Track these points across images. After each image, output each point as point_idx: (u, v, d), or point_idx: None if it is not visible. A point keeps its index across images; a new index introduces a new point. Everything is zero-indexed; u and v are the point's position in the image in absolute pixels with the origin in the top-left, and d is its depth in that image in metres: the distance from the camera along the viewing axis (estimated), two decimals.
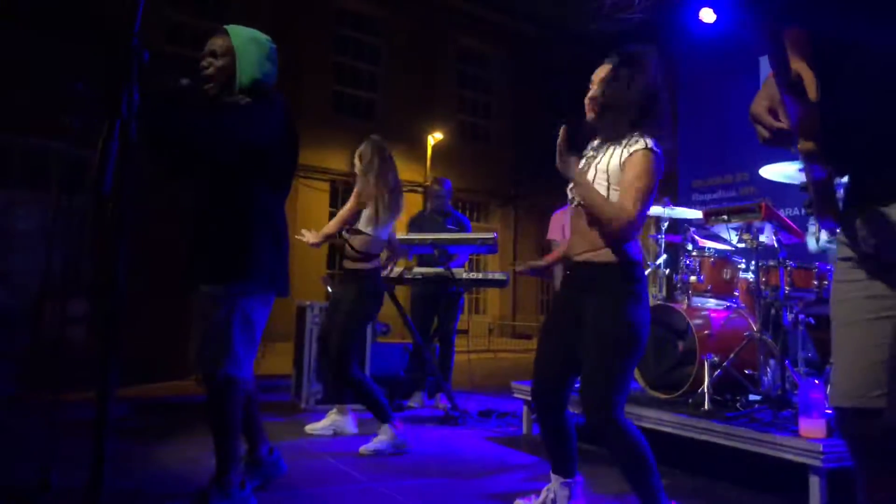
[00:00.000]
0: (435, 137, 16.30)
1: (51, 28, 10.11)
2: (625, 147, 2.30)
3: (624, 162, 2.27)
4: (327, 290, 6.42)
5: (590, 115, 2.44)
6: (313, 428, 4.09)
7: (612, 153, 2.33)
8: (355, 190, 3.89)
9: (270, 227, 2.56)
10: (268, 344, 2.84)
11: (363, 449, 3.63)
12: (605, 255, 2.30)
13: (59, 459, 2.70)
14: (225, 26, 2.64)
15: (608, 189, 2.29)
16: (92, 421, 1.24)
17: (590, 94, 2.44)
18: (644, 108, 2.32)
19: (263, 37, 2.66)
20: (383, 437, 3.66)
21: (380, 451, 3.61)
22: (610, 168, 2.30)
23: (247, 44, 2.59)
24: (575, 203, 2.41)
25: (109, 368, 1.07)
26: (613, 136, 2.36)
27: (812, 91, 1.13)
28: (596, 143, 2.47)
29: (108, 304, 1.07)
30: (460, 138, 17.48)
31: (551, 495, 2.55)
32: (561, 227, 5.42)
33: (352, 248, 3.88)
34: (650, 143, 2.28)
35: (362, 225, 3.85)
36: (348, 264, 3.93)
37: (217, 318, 2.45)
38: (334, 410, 4.14)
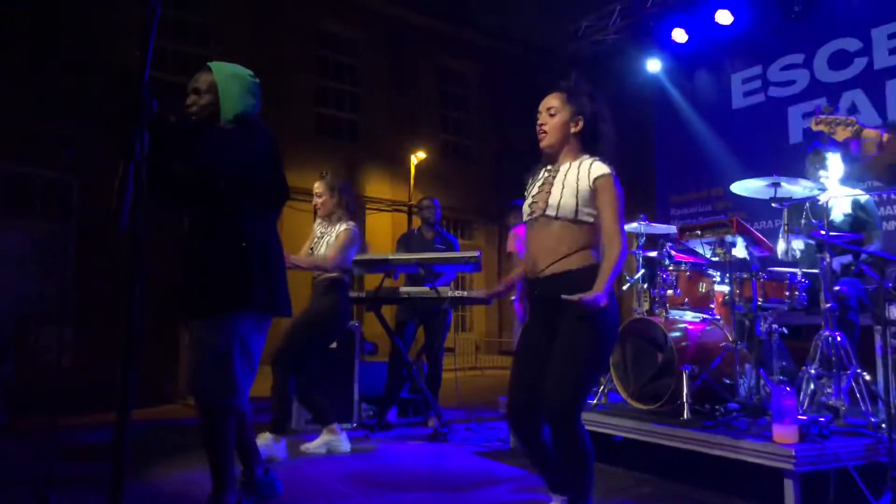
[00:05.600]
0: (418, 157, 16.44)
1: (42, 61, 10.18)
2: (581, 167, 2.57)
3: (594, 187, 2.52)
4: None
5: (544, 143, 2.65)
6: (307, 448, 4.15)
7: (570, 172, 2.58)
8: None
9: (263, 253, 2.63)
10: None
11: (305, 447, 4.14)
12: (574, 260, 2.49)
13: (55, 483, 2.75)
14: (208, 63, 2.74)
15: (577, 205, 2.51)
16: (85, 446, 1.32)
17: (540, 121, 2.65)
18: (592, 133, 2.63)
19: (245, 71, 2.77)
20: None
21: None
22: (580, 189, 2.53)
23: (229, 79, 2.69)
24: (535, 216, 2.59)
25: (126, 396, 1.15)
26: (567, 159, 2.64)
27: None
28: (547, 166, 2.70)
29: (126, 334, 1.15)
30: (443, 157, 17.63)
31: None
32: (519, 241, 5.63)
33: None
34: (608, 168, 2.55)
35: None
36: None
37: (215, 347, 2.50)
38: (326, 430, 4.20)
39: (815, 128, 2.95)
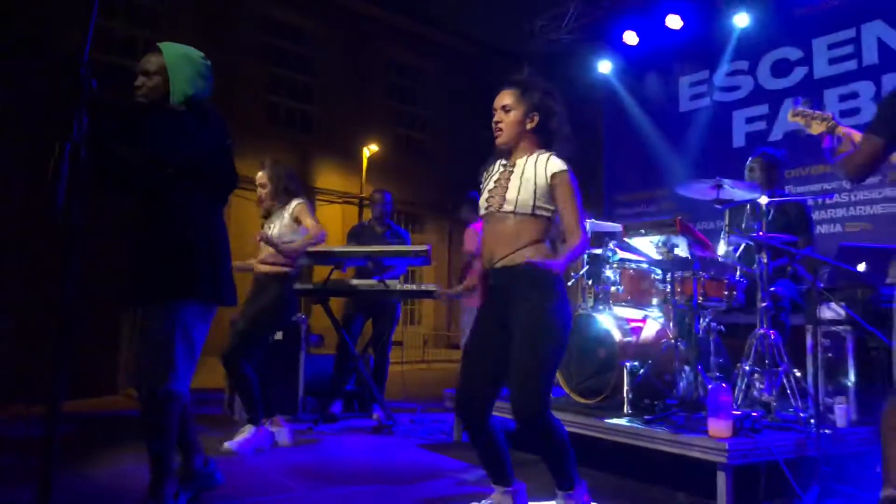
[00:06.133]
0: (370, 149, 16.36)
1: None
2: (538, 163, 2.59)
3: (552, 183, 2.55)
4: None
5: (500, 140, 2.65)
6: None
7: (527, 167, 2.60)
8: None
9: (208, 240, 2.61)
10: (200, 357, 2.92)
11: (226, 445, 3.85)
12: (528, 252, 2.52)
13: None
14: (159, 44, 2.69)
15: (534, 201, 2.53)
16: (16, 438, 1.29)
17: (496, 118, 2.65)
18: (547, 129, 2.64)
19: (196, 53, 2.72)
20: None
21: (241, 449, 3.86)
22: (537, 185, 2.55)
23: (179, 61, 2.64)
24: (491, 211, 2.61)
25: (57, 384, 1.13)
26: (523, 154, 2.65)
27: None
28: (502, 160, 2.72)
29: (59, 321, 1.13)
30: (396, 151, 17.59)
31: None
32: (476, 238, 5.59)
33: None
34: (564, 164, 2.59)
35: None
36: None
37: (157, 334, 2.49)
38: (270, 422, 4.16)
39: (791, 119, 3.00)
